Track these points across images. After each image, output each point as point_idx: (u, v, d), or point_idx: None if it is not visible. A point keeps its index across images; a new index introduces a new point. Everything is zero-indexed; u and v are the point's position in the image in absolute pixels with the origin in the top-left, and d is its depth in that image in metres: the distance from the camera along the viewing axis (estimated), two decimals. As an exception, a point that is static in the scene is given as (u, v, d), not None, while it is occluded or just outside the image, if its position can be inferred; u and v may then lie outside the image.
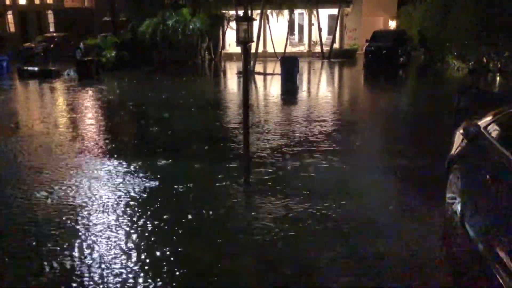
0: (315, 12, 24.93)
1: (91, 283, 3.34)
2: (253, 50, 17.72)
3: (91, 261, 3.63)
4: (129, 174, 5.74)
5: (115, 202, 4.84)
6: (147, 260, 3.65)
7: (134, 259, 3.66)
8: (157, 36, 20.63)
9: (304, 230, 4.17)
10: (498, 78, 15.13)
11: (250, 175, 5.44)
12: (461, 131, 4.35)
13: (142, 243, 3.93)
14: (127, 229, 4.20)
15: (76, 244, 3.91)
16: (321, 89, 15.62)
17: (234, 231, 4.22)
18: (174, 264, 3.60)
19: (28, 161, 6.57)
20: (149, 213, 4.57)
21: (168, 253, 3.77)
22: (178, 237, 4.09)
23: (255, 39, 14.62)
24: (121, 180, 5.52)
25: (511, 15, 13.93)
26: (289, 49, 24.87)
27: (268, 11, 23.90)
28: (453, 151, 4.34)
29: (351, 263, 3.62)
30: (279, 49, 23.78)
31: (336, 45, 25.77)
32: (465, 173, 3.92)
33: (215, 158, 6.55)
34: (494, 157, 3.48)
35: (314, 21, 25.74)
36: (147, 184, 5.38)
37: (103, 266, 3.56)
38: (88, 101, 12.36)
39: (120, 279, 3.38)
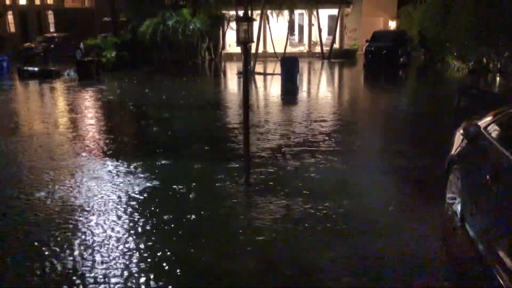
0: (315, 13, 24.94)
1: (91, 283, 3.34)
2: (253, 51, 17.74)
3: (91, 261, 3.63)
4: (129, 174, 5.74)
5: (115, 202, 4.84)
6: (147, 260, 3.65)
7: (133, 259, 3.66)
8: (157, 37, 20.64)
9: (305, 230, 4.17)
10: (498, 79, 15.14)
11: (250, 175, 5.45)
12: (461, 131, 4.36)
13: (142, 243, 3.93)
14: (127, 229, 4.20)
15: (76, 244, 3.91)
16: (321, 89, 15.63)
17: (234, 231, 4.22)
18: (174, 264, 3.60)
19: (28, 161, 6.57)
20: (149, 213, 4.57)
21: (168, 253, 3.77)
22: (178, 237, 4.09)
23: (255, 39, 14.64)
24: (121, 180, 5.53)
25: (511, 15, 13.93)
26: (289, 49, 24.89)
27: (268, 12, 23.92)
28: (453, 151, 4.35)
29: (351, 263, 3.62)
30: (279, 49, 23.80)
31: (336, 45, 25.79)
32: (465, 173, 3.93)
33: (216, 158, 6.55)
34: (494, 157, 3.48)
35: (314, 21, 25.76)
36: (147, 184, 5.38)
37: (103, 266, 3.56)
38: (88, 101, 12.36)
39: (120, 279, 3.38)
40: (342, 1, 25.20)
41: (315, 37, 26.41)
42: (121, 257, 3.70)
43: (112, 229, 4.20)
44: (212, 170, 5.97)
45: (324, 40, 25.50)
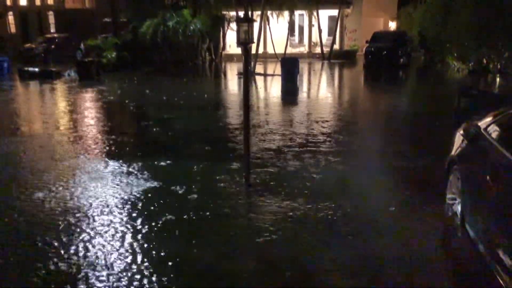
0: (315, 13, 24.98)
1: (91, 283, 3.35)
2: (253, 51, 17.76)
3: (91, 262, 3.64)
4: (129, 175, 5.75)
5: (116, 202, 4.85)
6: (147, 260, 3.65)
7: (133, 259, 3.67)
8: (157, 37, 20.68)
9: (305, 230, 4.18)
10: (498, 79, 15.15)
11: (251, 175, 5.45)
12: (461, 132, 4.36)
13: (142, 243, 3.93)
14: (127, 229, 4.21)
15: (77, 245, 3.92)
16: (321, 90, 15.64)
17: (234, 231, 4.22)
18: (174, 264, 3.61)
19: (28, 162, 6.58)
20: (149, 213, 4.58)
21: (168, 253, 3.77)
22: (178, 237, 4.09)
23: (255, 40, 14.67)
24: (121, 181, 5.53)
25: (511, 15, 13.95)
26: (290, 50, 24.92)
27: (269, 12, 23.95)
28: (453, 152, 4.35)
29: (351, 263, 3.62)
30: (280, 50, 23.84)
31: (336, 46, 25.82)
32: (465, 174, 3.93)
33: (216, 158, 6.56)
34: (494, 157, 3.49)
35: (314, 22, 25.79)
36: (147, 185, 5.38)
37: (103, 266, 3.57)
38: (89, 101, 12.38)
39: (120, 279, 3.39)
40: (342, 1, 25.24)
41: (315, 37, 26.44)
42: (121, 257, 3.70)
43: (112, 230, 4.20)
44: (212, 170, 5.98)
45: (324, 41, 25.53)
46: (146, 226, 4.27)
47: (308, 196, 4.94)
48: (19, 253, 3.85)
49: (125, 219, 4.44)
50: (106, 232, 4.16)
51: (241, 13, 20.77)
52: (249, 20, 5.18)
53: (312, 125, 8.77)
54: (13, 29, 36.28)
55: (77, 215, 4.54)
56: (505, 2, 14.16)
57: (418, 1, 25.28)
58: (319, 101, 12.72)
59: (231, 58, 24.93)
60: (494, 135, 3.70)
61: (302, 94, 13.85)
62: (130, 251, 3.80)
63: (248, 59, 5.68)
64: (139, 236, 4.07)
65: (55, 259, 3.67)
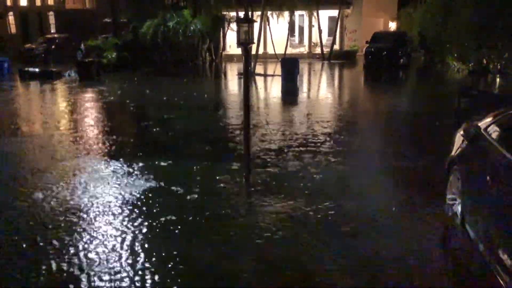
0: (315, 14, 24.98)
1: (91, 283, 3.35)
2: (253, 52, 17.76)
3: (91, 262, 3.64)
4: (129, 175, 5.75)
5: (116, 203, 4.85)
6: (147, 260, 3.65)
7: (133, 259, 3.67)
8: (158, 38, 20.68)
9: (305, 231, 4.18)
10: (498, 80, 15.16)
11: (251, 175, 5.46)
12: (462, 132, 4.37)
13: (142, 244, 3.94)
14: (127, 229, 4.21)
15: (77, 244, 3.92)
16: (321, 90, 15.64)
17: (234, 231, 4.22)
18: (174, 264, 3.61)
19: (29, 162, 6.58)
20: (149, 213, 4.58)
21: (168, 253, 3.78)
22: (178, 237, 4.09)
23: (255, 40, 14.67)
24: (122, 181, 5.53)
25: (511, 16, 13.96)
26: (290, 51, 24.92)
27: (269, 13, 23.95)
28: (453, 152, 4.35)
29: (352, 263, 3.63)
30: (280, 50, 23.84)
31: (336, 47, 25.82)
32: (465, 174, 3.93)
33: (216, 159, 6.56)
34: (494, 158, 3.49)
35: (314, 22, 25.80)
36: (147, 185, 5.38)
37: (103, 266, 3.57)
38: (89, 102, 12.38)
39: (120, 279, 3.39)
40: (342, 2, 25.24)
41: (315, 38, 26.44)
42: (120, 257, 3.70)
43: (112, 229, 4.20)
44: (212, 170, 5.98)
45: (324, 41, 25.53)
46: (146, 226, 4.27)
47: (309, 196, 4.94)
48: (20, 253, 3.86)
49: (125, 219, 4.44)
50: (106, 232, 4.16)
51: (241, 14, 20.79)
52: (249, 21, 5.19)
53: (312, 125, 8.78)
54: (13, 29, 36.30)
55: (77, 215, 4.54)
56: (505, 3, 14.16)
57: (418, 2, 25.30)
58: (319, 101, 12.72)
59: (231, 58, 24.94)
60: (494, 135, 3.70)
61: (302, 95, 13.85)
62: (130, 251, 3.80)
63: (248, 60, 5.69)
64: (139, 236, 4.07)
65: (55, 259, 3.68)
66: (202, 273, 3.52)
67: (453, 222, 4.10)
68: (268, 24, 24.73)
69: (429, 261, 3.66)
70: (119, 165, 6.19)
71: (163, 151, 7.07)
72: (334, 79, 19.28)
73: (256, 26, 14.72)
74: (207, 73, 21.76)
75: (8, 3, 36.36)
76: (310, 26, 26.77)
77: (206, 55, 24.49)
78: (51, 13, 34.65)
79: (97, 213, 4.59)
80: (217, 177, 5.63)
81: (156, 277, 3.42)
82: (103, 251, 3.80)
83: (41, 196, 5.07)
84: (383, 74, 18.86)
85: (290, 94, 13.33)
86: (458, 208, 3.96)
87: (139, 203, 4.86)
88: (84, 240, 4.01)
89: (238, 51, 20.80)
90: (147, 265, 3.59)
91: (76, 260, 3.66)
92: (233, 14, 23.36)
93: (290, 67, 14.93)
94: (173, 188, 5.29)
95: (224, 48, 26.03)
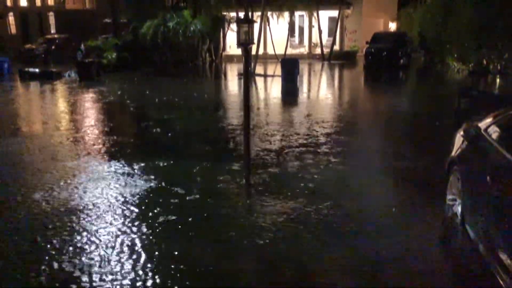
0: (315, 14, 25.00)
1: (92, 283, 3.36)
2: (253, 52, 17.77)
3: (92, 262, 3.64)
4: (129, 175, 5.75)
5: (116, 203, 4.85)
6: (147, 261, 3.65)
7: (133, 259, 3.67)
8: (158, 38, 20.68)
9: (305, 231, 4.18)
10: (498, 80, 15.16)
11: (251, 176, 5.46)
12: (462, 132, 4.37)
13: (142, 244, 3.94)
14: (127, 229, 4.21)
15: (77, 245, 3.92)
16: (321, 91, 15.64)
17: (234, 232, 4.22)
18: (174, 265, 3.61)
19: (29, 162, 6.58)
20: (149, 213, 4.58)
21: (168, 253, 3.78)
22: (178, 238, 4.09)
23: (255, 41, 14.68)
24: (122, 181, 5.54)
25: (511, 16, 13.96)
26: (290, 51, 24.92)
27: (269, 13, 23.96)
28: (453, 153, 4.36)
29: (352, 263, 3.63)
30: (280, 51, 23.84)
31: (337, 47, 25.83)
32: (465, 175, 3.94)
33: (216, 159, 6.56)
34: (494, 158, 3.49)
35: (314, 23, 25.81)
36: (148, 185, 5.39)
37: (103, 266, 3.57)
38: (89, 102, 12.38)
39: (120, 279, 3.39)
40: (342, 2, 25.26)
41: (315, 38, 26.45)
42: (120, 257, 3.71)
43: (112, 230, 4.20)
44: (213, 170, 5.98)
45: (324, 42, 25.54)
46: (146, 227, 4.27)
47: (309, 197, 4.95)
48: (20, 253, 3.86)
49: (125, 219, 4.44)
50: (106, 232, 4.16)
51: (242, 14, 20.81)
52: (249, 21, 5.20)
53: (312, 125, 8.78)
54: (13, 29, 36.33)
55: (77, 215, 4.54)
56: (505, 3, 14.17)
57: (418, 2, 25.32)
58: (319, 101, 12.72)
59: (231, 59, 24.94)
60: (494, 136, 3.71)
61: (302, 95, 13.86)
62: (130, 251, 3.80)
63: (248, 60, 5.69)
64: (139, 237, 4.07)
65: (55, 260, 3.68)
66: (202, 273, 3.52)
67: (453, 222, 4.10)
68: (268, 25, 24.74)
69: (429, 261, 3.66)
70: (119, 165, 6.19)
71: (163, 151, 7.07)
72: (334, 80, 19.28)
73: (256, 26, 14.74)
74: (207, 73, 21.77)
75: (8, 3, 36.39)
76: (310, 26, 26.79)
77: (206, 55, 24.50)
78: (51, 13, 34.68)
79: (97, 213, 4.59)
80: (217, 178, 5.63)
81: (156, 277, 3.42)
82: (103, 251, 3.80)
83: (41, 196, 5.07)
84: (383, 75, 18.87)
85: (290, 95, 13.33)
86: (458, 209, 3.96)
87: (139, 203, 4.86)
88: (84, 240, 4.01)
89: (238, 51, 20.85)
90: (146, 265, 3.59)
91: (76, 261, 3.66)
92: (233, 14, 23.38)
93: (290, 67, 14.95)
94: (173, 188, 5.29)
95: (224, 49, 26.04)
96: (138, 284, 3.34)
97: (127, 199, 4.96)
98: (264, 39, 24.37)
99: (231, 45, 24.72)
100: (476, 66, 16.77)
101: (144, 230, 4.21)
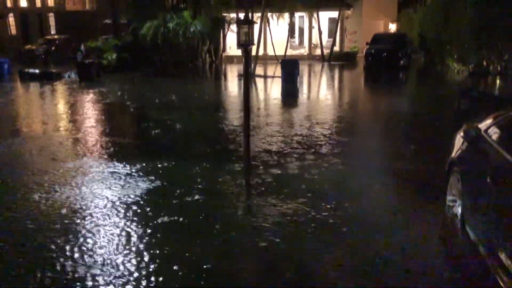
0: (315, 15, 25.02)
1: (91, 283, 3.35)
2: (253, 53, 17.78)
3: (91, 263, 3.64)
4: (129, 176, 5.75)
5: (116, 204, 4.85)
6: (147, 261, 3.65)
7: (133, 259, 3.66)
8: (158, 39, 20.68)
9: (305, 232, 4.17)
10: (498, 81, 15.16)
11: (251, 177, 5.45)
12: (462, 133, 4.36)
13: (142, 244, 3.93)
14: (127, 230, 4.20)
15: (77, 245, 3.92)
16: (321, 92, 15.64)
17: (234, 233, 4.22)
18: (174, 265, 3.60)
19: (28, 162, 6.58)
20: (149, 214, 4.58)
21: (168, 254, 3.77)
22: (178, 239, 4.09)
23: (255, 42, 14.70)
24: (121, 182, 5.53)
25: (511, 17, 13.97)
26: (290, 52, 24.93)
27: (269, 14, 23.97)
28: (453, 154, 4.35)
29: (352, 265, 3.62)
30: (280, 51, 23.85)
31: (337, 48, 25.84)
32: (465, 176, 3.93)
33: (216, 160, 6.56)
34: (495, 159, 3.49)
35: (314, 24, 25.83)
36: (148, 186, 5.38)
37: (103, 266, 3.57)
38: (89, 103, 12.37)
39: (118, 280, 3.38)
40: (343, 3, 25.28)
41: (315, 39, 26.47)
42: (120, 257, 3.70)
43: (112, 230, 4.20)
44: (213, 171, 5.98)
45: (324, 43, 25.55)
46: (146, 227, 4.26)
47: (309, 198, 4.94)
48: (20, 253, 3.85)
49: (125, 220, 4.44)
50: (106, 232, 4.15)
51: (242, 15, 20.80)
52: (249, 22, 5.20)
53: (312, 126, 8.77)
54: (13, 30, 36.33)
55: (77, 215, 4.54)
56: (505, 4, 14.17)
57: (418, 3, 25.33)
58: (319, 102, 12.72)
59: (231, 59, 24.95)
60: (494, 137, 3.70)
61: (302, 96, 13.86)
62: (130, 251, 3.80)
63: (248, 61, 5.69)
64: (139, 237, 4.06)
65: (55, 260, 3.67)
66: (202, 274, 3.51)
67: (454, 223, 4.09)
68: (268, 26, 24.76)
69: (429, 262, 3.65)
70: (119, 166, 6.19)
71: (164, 152, 7.07)
72: (334, 81, 19.28)
73: (256, 27, 14.75)
74: (207, 74, 21.77)
75: (8, 4, 36.40)
76: (310, 27, 26.80)
77: (206, 56, 24.50)
78: (51, 14, 34.70)
79: (96, 213, 4.59)
80: (218, 178, 5.63)
81: (156, 278, 3.41)
82: (103, 252, 3.79)
83: (42, 196, 5.06)
84: (383, 76, 18.87)
85: (290, 96, 13.33)
86: (458, 210, 3.96)
87: (139, 204, 4.85)
88: (84, 240, 4.00)
89: (238, 52, 20.89)
90: (146, 265, 3.58)
91: (74, 261, 3.65)
92: (233, 15, 23.38)
93: (290, 68, 14.95)
94: (173, 189, 5.28)
95: (224, 50, 26.05)
96: (138, 284, 3.33)
97: (127, 199, 4.95)
98: (264, 40, 24.39)
99: (231, 46, 24.73)
100: (476, 67, 16.78)
101: (144, 230, 4.20)
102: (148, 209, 4.72)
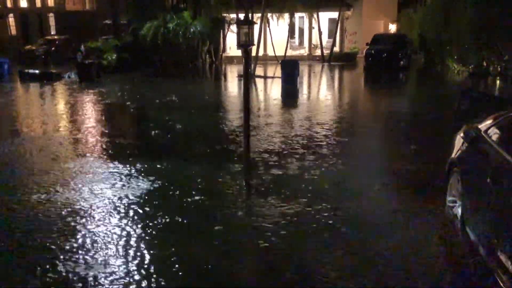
0: (315, 16, 25.01)
1: (92, 283, 3.35)
2: (253, 53, 17.77)
3: (92, 263, 3.63)
4: (129, 176, 5.75)
5: (116, 204, 4.85)
6: (147, 261, 3.65)
7: (133, 260, 3.66)
8: (158, 39, 20.68)
9: (305, 233, 4.17)
10: (498, 82, 15.16)
11: (251, 177, 5.45)
12: (462, 134, 4.36)
13: (142, 244, 3.93)
14: (127, 230, 4.20)
15: (77, 246, 3.91)
16: (321, 92, 15.64)
17: (234, 233, 4.22)
18: (174, 266, 3.60)
19: (28, 162, 6.57)
20: (149, 215, 4.57)
21: (168, 254, 3.77)
22: (178, 239, 4.09)
23: (255, 42, 14.69)
24: (122, 182, 5.53)
25: (511, 18, 13.97)
26: (290, 53, 24.92)
27: (269, 15, 23.97)
28: (453, 154, 4.35)
29: (352, 265, 3.62)
30: (280, 52, 23.84)
31: (337, 49, 25.83)
32: (465, 177, 3.93)
33: (216, 160, 6.56)
34: (495, 160, 3.49)
35: (314, 24, 25.82)
36: (148, 186, 5.38)
37: (103, 266, 3.57)
38: (88, 103, 12.37)
39: (118, 280, 3.38)
40: (343, 4, 25.26)
41: (315, 40, 26.45)
42: (120, 257, 3.70)
43: (112, 230, 4.20)
44: (213, 172, 5.97)
45: (324, 43, 25.53)
46: (146, 228, 4.26)
47: (309, 198, 4.94)
48: (20, 253, 3.85)
49: (124, 220, 4.44)
50: (106, 232, 4.15)
51: (242, 16, 20.79)
52: (249, 23, 5.20)
53: (312, 127, 8.77)
54: (13, 31, 36.33)
55: (77, 216, 4.54)
56: (505, 5, 14.17)
57: (418, 3, 25.33)
58: (319, 103, 12.72)
59: (231, 60, 24.95)
60: (494, 137, 3.70)
61: (302, 96, 13.86)
62: (130, 252, 3.80)
63: (248, 61, 5.69)
64: (139, 237, 4.06)
65: (55, 260, 3.67)
66: (202, 273, 3.51)
67: (454, 224, 4.09)
68: (268, 26, 24.75)
69: (429, 262, 3.65)
70: (119, 166, 6.19)
71: (164, 152, 7.07)
72: (334, 81, 19.28)
73: (256, 28, 14.74)
74: (207, 74, 21.77)
75: (8, 4, 36.41)
76: (310, 28, 26.78)
77: (206, 57, 24.50)
78: (51, 14, 34.70)
79: (97, 213, 4.59)
80: (218, 179, 5.63)
81: (157, 278, 3.41)
82: (103, 252, 3.79)
83: (42, 196, 5.06)
84: (383, 76, 18.86)
85: (290, 96, 13.33)
86: (458, 210, 3.96)
87: (139, 204, 4.85)
88: (84, 241, 4.00)
89: (238, 53, 20.87)
90: (146, 266, 3.58)
91: (74, 261, 3.65)
92: (233, 16, 23.37)
93: (290, 69, 14.94)
94: (173, 189, 5.28)
95: (224, 50, 26.04)
96: (139, 284, 3.33)
97: (127, 200, 4.95)
98: (264, 41, 24.38)
99: (231, 47, 24.72)
100: (476, 67, 16.77)
101: (144, 230, 4.20)
102: (148, 209, 4.72)
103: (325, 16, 26.68)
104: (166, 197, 5.11)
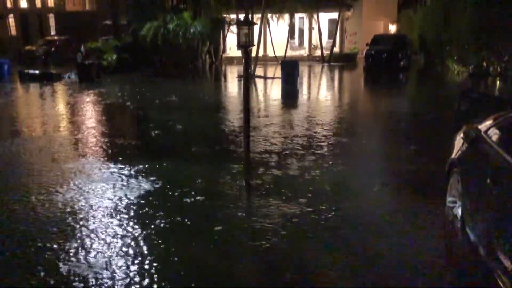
0: (315, 16, 25.02)
1: (92, 284, 3.35)
2: (253, 54, 17.78)
3: (92, 263, 3.63)
4: (129, 177, 5.75)
5: (115, 204, 4.85)
6: (147, 262, 3.65)
7: (133, 260, 3.66)
8: (158, 40, 20.70)
9: (305, 233, 4.17)
10: (498, 82, 15.16)
11: (251, 178, 5.45)
12: (462, 135, 4.36)
13: (142, 245, 3.93)
14: (127, 231, 4.20)
15: (77, 246, 3.92)
16: (321, 93, 15.65)
17: (234, 233, 4.22)
18: (173, 266, 3.60)
19: (29, 164, 6.57)
20: (149, 215, 4.57)
21: (167, 255, 3.77)
22: (177, 239, 4.09)
23: (255, 43, 14.69)
24: (121, 183, 5.53)
25: (510, 17, 13.98)
26: (290, 53, 24.94)
27: (269, 15, 23.99)
28: (453, 155, 4.35)
29: (351, 266, 3.62)
30: (280, 53, 23.85)
31: (337, 49, 25.85)
32: (465, 177, 3.93)
33: (216, 161, 6.56)
34: (495, 161, 3.49)
35: (314, 25, 25.84)
36: (148, 187, 5.38)
37: (103, 266, 3.56)
38: (88, 104, 12.37)
39: (118, 280, 3.38)
40: (343, 4, 25.28)
41: (315, 40, 26.47)
42: (120, 258, 3.70)
43: (112, 231, 4.20)
44: (213, 172, 5.98)
45: (324, 44, 25.55)
46: (147, 228, 4.26)
47: (309, 199, 4.94)
48: (20, 253, 3.85)
49: (125, 220, 4.44)
50: (106, 233, 4.15)
51: (242, 16, 20.81)
52: (249, 23, 5.20)
53: (312, 127, 8.78)
54: (13, 31, 36.34)
55: (78, 216, 4.54)
56: (505, 5, 14.18)
57: (418, 4, 25.35)
58: (319, 103, 12.72)
59: (231, 60, 24.96)
60: (494, 138, 3.70)
61: (302, 97, 13.86)
62: (130, 252, 3.80)
63: (248, 62, 5.69)
64: (139, 238, 4.06)
65: (56, 261, 3.67)
66: (202, 274, 3.51)
67: (454, 225, 4.09)
68: (268, 27, 24.77)
69: (429, 264, 3.65)
70: (119, 167, 6.19)
71: (164, 152, 7.07)
72: (334, 82, 19.29)
73: (256, 28, 14.74)
74: (207, 75, 21.78)
75: (8, 5, 36.42)
76: (310, 28, 26.81)
77: (206, 57, 24.51)
78: (51, 15, 34.72)
79: (96, 214, 4.59)
80: (218, 179, 5.63)
81: (156, 279, 3.41)
82: (103, 252, 3.79)
83: (41, 197, 5.06)
84: (383, 77, 18.86)
85: (290, 97, 13.33)
86: (458, 211, 3.96)
87: (139, 205, 4.85)
88: (84, 241, 4.00)
89: (238, 53, 20.87)
90: (147, 266, 3.58)
91: (74, 262, 3.65)
92: (233, 16, 23.39)
93: (290, 69, 14.95)
94: (173, 190, 5.28)
95: (224, 51, 26.06)
96: (139, 284, 3.33)
97: (128, 200, 4.95)
98: (264, 41, 24.39)
99: (231, 47, 24.74)
100: (476, 68, 16.77)
101: (143, 231, 4.20)
102: (148, 209, 4.72)
103: (325, 17, 26.70)
104: (166, 197, 5.11)
